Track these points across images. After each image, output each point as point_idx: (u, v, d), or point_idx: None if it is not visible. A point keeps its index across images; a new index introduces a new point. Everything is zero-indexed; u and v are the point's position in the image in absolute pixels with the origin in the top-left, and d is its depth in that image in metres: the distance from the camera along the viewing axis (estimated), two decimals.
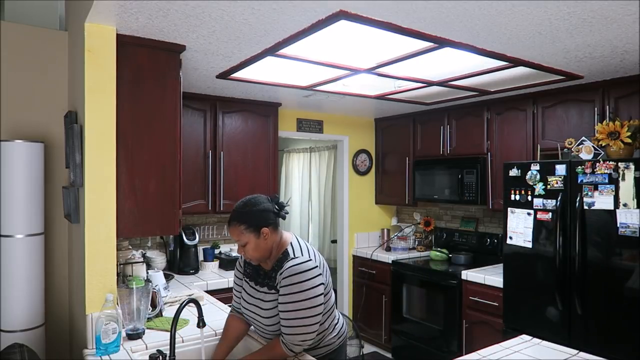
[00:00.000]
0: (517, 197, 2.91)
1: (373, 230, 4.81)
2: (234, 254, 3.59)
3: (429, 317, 3.73)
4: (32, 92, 2.80)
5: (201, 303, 1.87)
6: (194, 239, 3.45)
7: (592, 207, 2.54)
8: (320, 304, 1.71)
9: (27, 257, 2.47)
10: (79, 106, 2.21)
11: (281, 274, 1.71)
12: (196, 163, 3.42)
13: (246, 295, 1.91)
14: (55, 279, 2.85)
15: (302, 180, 6.19)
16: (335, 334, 1.92)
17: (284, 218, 1.83)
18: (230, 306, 2.09)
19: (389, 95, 3.53)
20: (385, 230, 4.68)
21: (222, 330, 2.01)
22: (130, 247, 2.60)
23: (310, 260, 1.73)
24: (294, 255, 1.76)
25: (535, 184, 2.82)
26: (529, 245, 2.85)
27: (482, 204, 3.71)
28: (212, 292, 3.02)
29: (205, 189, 3.45)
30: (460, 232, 4.15)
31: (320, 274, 1.73)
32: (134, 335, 1.99)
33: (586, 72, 2.80)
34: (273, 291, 1.77)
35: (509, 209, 2.97)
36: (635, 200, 2.37)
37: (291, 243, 1.82)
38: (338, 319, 1.97)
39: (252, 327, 1.97)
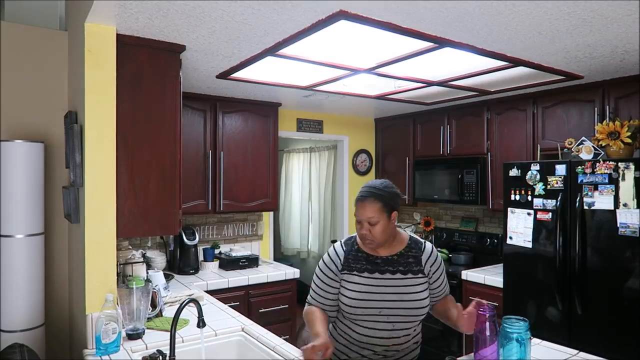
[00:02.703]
0: (517, 197, 2.91)
1: None
2: (234, 254, 3.59)
3: (429, 316, 3.72)
4: (32, 92, 2.80)
5: (201, 303, 1.87)
6: (194, 239, 3.45)
7: (592, 207, 2.54)
8: None
9: (27, 257, 2.47)
10: (79, 106, 2.21)
11: (429, 256, 1.83)
12: (196, 163, 3.42)
13: (370, 289, 1.73)
14: (55, 279, 2.85)
15: (302, 180, 6.18)
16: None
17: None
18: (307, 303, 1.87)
19: (389, 95, 3.53)
20: None
21: (223, 331, 2.00)
22: (130, 247, 2.60)
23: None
24: (423, 240, 1.90)
25: (535, 184, 2.82)
26: (529, 245, 2.85)
27: (482, 204, 3.71)
28: (212, 292, 3.02)
29: (205, 189, 3.45)
30: (460, 232, 4.15)
31: None
32: (134, 335, 1.99)
33: (586, 72, 2.80)
34: (420, 275, 1.79)
35: (509, 209, 2.97)
36: (635, 200, 2.37)
37: (406, 231, 2.03)
38: None
39: (392, 329, 1.74)
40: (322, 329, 1.67)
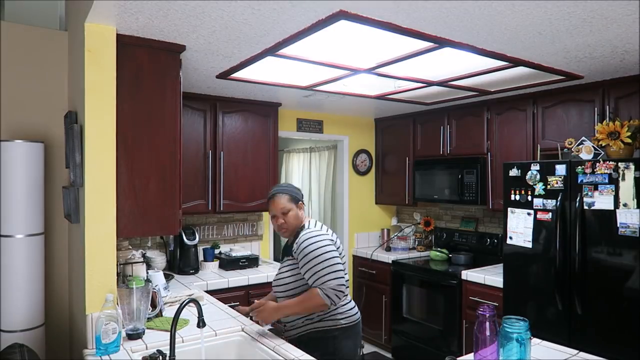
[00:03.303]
0: (517, 197, 2.91)
1: (373, 230, 4.81)
2: (234, 254, 3.59)
3: (429, 317, 3.73)
4: (32, 92, 2.80)
5: (201, 303, 1.87)
6: (194, 239, 3.45)
7: (592, 207, 2.54)
8: (337, 262, 1.99)
9: (27, 257, 2.47)
10: (79, 106, 2.21)
11: (297, 241, 2.06)
12: (196, 163, 3.42)
13: (277, 275, 2.19)
14: (55, 279, 2.85)
15: (302, 180, 6.18)
16: (342, 310, 2.09)
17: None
18: None
19: (389, 95, 3.53)
20: (385, 230, 4.68)
21: (223, 331, 2.05)
22: (130, 247, 2.60)
23: (323, 232, 2.09)
24: (309, 227, 2.12)
25: (535, 184, 2.82)
26: (529, 245, 2.85)
27: (482, 204, 3.71)
28: (212, 292, 3.02)
29: (205, 189, 3.45)
30: (460, 232, 4.15)
31: (333, 243, 2.06)
32: (134, 335, 1.98)
33: (586, 72, 2.80)
34: (291, 257, 2.10)
35: (509, 209, 2.97)
36: (635, 200, 2.37)
37: (309, 220, 2.18)
38: (351, 306, 2.16)
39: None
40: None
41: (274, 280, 2.20)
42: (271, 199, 2.15)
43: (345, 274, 2.03)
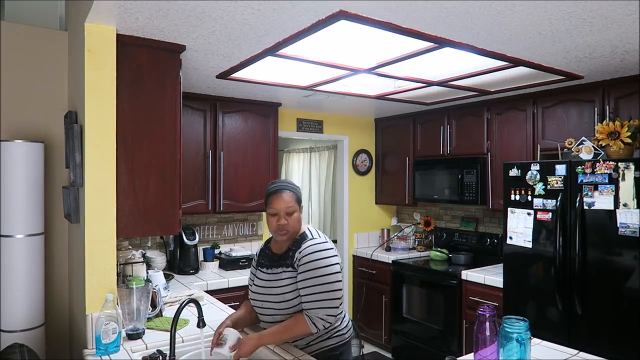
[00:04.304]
0: (517, 197, 2.91)
1: (373, 230, 4.81)
2: (234, 254, 3.59)
3: (429, 317, 3.73)
4: (32, 92, 2.80)
5: (201, 303, 1.87)
6: (194, 239, 3.45)
7: (592, 207, 2.54)
8: (340, 282, 1.79)
9: (27, 257, 2.47)
10: (79, 106, 2.21)
11: (300, 252, 1.81)
12: (196, 163, 3.42)
13: (258, 283, 1.94)
14: (55, 279, 2.85)
15: (302, 180, 6.18)
16: (344, 325, 1.95)
17: None
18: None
19: (389, 95, 3.53)
20: (385, 230, 4.68)
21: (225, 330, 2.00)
22: (130, 247, 2.60)
23: (327, 242, 1.87)
24: (312, 236, 1.88)
25: (535, 184, 2.82)
26: (529, 245, 2.85)
27: (482, 204, 3.71)
28: (212, 292, 3.02)
29: (205, 189, 3.45)
30: (460, 232, 4.15)
31: (337, 256, 1.85)
32: (134, 335, 1.98)
33: (586, 72, 2.80)
34: (290, 269, 1.83)
35: (509, 209, 2.97)
36: (635, 200, 2.37)
37: (308, 228, 1.94)
38: (345, 313, 2.02)
39: (259, 323, 1.99)
40: (236, 313, 2.00)
41: (261, 290, 1.91)
42: (275, 195, 1.87)
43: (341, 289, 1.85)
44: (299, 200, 1.91)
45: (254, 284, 1.97)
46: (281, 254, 1.91)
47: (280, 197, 1.86)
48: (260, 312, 1.94)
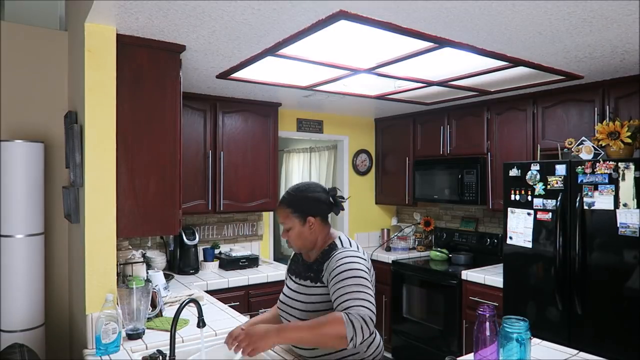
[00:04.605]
0: (517, 197, 2.91)
1: (373, 230, 4.81)
2: (234, 254, 3.59)
3: (429, 317, 3.73)
4: (32, 92, 2.79)
5: (201, 303, 1.86)
6: (194, 239, 3.45)
7: (592, 207, 2.54)
8: (370, 287, 1.54)
9: (27, 257, 2.47)
10: (79, 106, 2.21)
11: (329, 264, 1.61)
12: (196, 163, 3.42)
13: (286, 291, 1.79)
14: (55, 279, 2.85)
15: (302, 180, 6.18)
16: (371, 352, 1.69)
17: (337, 213, 1.75)
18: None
19: (389, 95, 3.53)
20: (385, 230, 4.68)
21: (223, 331, 2.02)
22: (130, 247, 2.60)
23: (359, 252, 1.66)
24: (343, 246, 1.68)
25: (535, 184, 2.82)
26: (529, 245, 2.85)
27: (482, 204, 3.71)
28: (212, 292, 3.02)
29: (205, 189, 3.45)
30: (460, 232, 4.15)
31: (366, 267, 1.61)
32: (134, 335, 1.98)
33: (586, 72, 2.80)
34: (319, 284, 1.64)
35: (509, 209, 2.97)
36: (635, 200, 2.37)
37: (339, 237, 1.74)
38: (376, 337, 1.73)
39: None
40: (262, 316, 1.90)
41: (287, 300, 1.74)
42: (277, 206, 1.76)
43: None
44: (300, 214, 1.68)
45: (283, 292, 1.82)
46: (310, 264, 1.73)
47: (277, 210, 1.75)
48: (284, 322, 1.76)
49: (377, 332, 1.73)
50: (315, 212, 1.70)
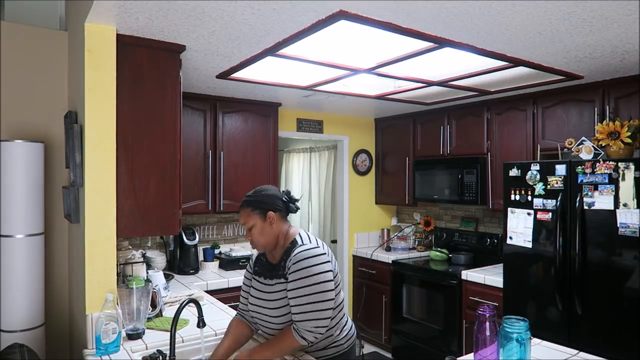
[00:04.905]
0: (517, 197, 2.91)
1: (373, 230, 4.81)
2: (234, 254, 3.59)
3: (429, 317, 3.73)
4: (32, 92, 2.79)
5: (201, 303, 1.87)
6: (194, 239, 3.45)
7: (592, 207, 2.54)
8: (331, 290, 1.70)
9: (27, 257, 2.47)
10: (79, 106, 2.21)
11: (290, 260, 1.73)
12: (196, 163, 3.42)
13: (254, 293, 1.87)
14: (55, 279, 2.85)
15: (302, 180, 6.18)
16: (344, 335, 1.87)
17: (293, 211, 1.86)
18: (237, 310, 2.02)
19: (389, 95, 3.53)
20: (385, 230, 4.68)
21: (223, 331, 2.01)
22: (130, 247, 2.60)
23: (319, 247, 1.76)
24: (302, 242, 1.78)
25: (535, 184, 2.82)
26: (529, 245, 2.85)
27: (482, 204, 3.71)
28: (212, 292, 3.02)
29: (205, 189, 3.45)
30: (460, 232, 4.15)
31: (329, 262, 1.75)
32: (134, 335, 1.99)
33: (586, 72, 2.80)
34: (282, 280, 1.75)
35: (509, 209, 2.97)
36: (635, 200, 2.37)
37: (299, 234, 1.83)
38: (347, 321, 1.93)
39: (259, 331, 1.92)
40: (219, 349, 1.83)
41: (257, 301, 1.83)
42: (240, 210, 1.85)
43: (338, 295, 1.80)
44: (260, 211, 1.78)
45: (251, 294, 1.89)
46: (275, 264, 1.83)
47: (240, 213, 1.84)
48: (258, 321, 1.86)
49: (345, 314, 1.92)
50: (274, 208, 1.80)
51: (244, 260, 3.55)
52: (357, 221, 4.72)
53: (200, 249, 3.59)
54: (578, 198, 2.60)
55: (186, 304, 1.67)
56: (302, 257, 1.70)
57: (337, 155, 4.92)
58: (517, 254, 2.92)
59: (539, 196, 2.80)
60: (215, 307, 2.52)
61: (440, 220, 4.49)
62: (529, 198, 2.85)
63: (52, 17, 3.01)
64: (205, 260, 3.57)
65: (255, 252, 2.00)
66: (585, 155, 2.71)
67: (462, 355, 3.26)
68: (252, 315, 1.88)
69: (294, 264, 1.70)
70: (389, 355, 4.19)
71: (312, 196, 5.96)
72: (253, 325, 1.93)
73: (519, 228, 2.90)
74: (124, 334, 1.97)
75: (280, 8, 1.80)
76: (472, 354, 1.62)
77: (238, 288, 3.20)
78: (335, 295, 1.76)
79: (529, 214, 2.85)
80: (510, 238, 2.96)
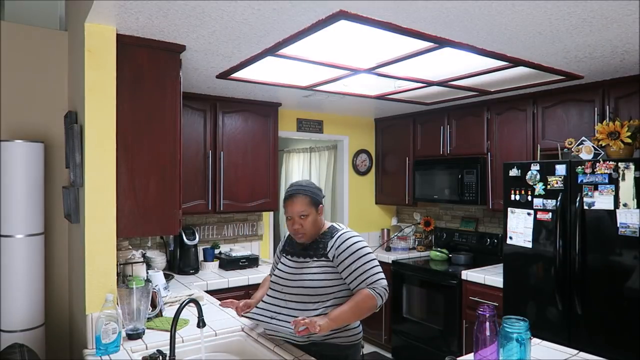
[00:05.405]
0: (517, 197, 2.91)
1: (373, 230, 4.81)
2: (234, 254, 3.59)
3: (429, 317, 3.73)
4: (32, 92, 2.80)
5: (201, 303, 1.87)
6: (194, 239, 3.45)
7: (592, 207, 2.54)
8: (376, 259, 1.91)
9: (27, 257, 2.47)
10: (79, 106, 2.21)
11: (335, 241, 1.90)
12: (196, 163, 3.42)
13: (282, 268, 1.99)
14: (55, 279, 2.85)
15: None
16: (357, 324, 1.97)
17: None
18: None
19: (389, 95, 3.53)
20: (385, 230, 4.68)
21: (223, 331, 2.02)
22: (130, 247, 2.60)
23: (356, 233, 1.97)
24: (343, 228, 1.97)
25: (535, 184, 2.82)
26: (529, 245, 2.85)
27: (482, 204, 3.71)
28: (212, 292, 3.02)
29: (205, 189, 3.45)
30: (460, 232, 4.15)
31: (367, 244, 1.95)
32: (134, 335, 1.98)
33: (586, 72, 2.80)
34: (323, 259, 1.89)
35: (509, 209, 2.97)
36: (635, 200, 2.37)
37: (333, 224, 2.02)
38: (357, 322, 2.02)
39: (262, 330, 1.99)
40: (257, 294, 2.10)
41: (284, 275, 1.94)
42: (288, 200, 1.93)
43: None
44: (315, 202, 1.93)
45: (277, 268, 2.02)
46: (307, 245, 1.96)
47: (292, 202, 1.92)
48: (278, 297, 1.93)
49: None
50: (322, 200, 1.99)
51: (244, 260, 3.55)
52: (357, 221, 4.72)
53: (200, 249, 3.59)
54: (578, 198, 2.60)
55: (186, 304, 1.67)
56: (347, 236, 1.92)
57: (337, 155, 4.92)
58: (517, 254, 2.92)
59: (539, 196, 2.80)
60: (215, 307, 2.52)
61: (440, 220, 4.49)
62: (529, 198, 2.85)
63: (52, 17, 3.01)
64: (205, 260, 3.57)
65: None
66: (585, 155, 2.71)
67: (462, 355, 3.26)
68: (275, 290, 1.96)
69: (343, 242, 1.89)
70: (389, 355, 4.19)
71: None
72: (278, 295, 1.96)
73: (519, 228, 2.90)
74: (124, 334, 1.97)
75: (280, 8, 1.80)
76: (472, 354, 1.62)
77: (238, 288, 3.23)
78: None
79: (529, 214, 2.85)
80: (510, 238, 2.96)
